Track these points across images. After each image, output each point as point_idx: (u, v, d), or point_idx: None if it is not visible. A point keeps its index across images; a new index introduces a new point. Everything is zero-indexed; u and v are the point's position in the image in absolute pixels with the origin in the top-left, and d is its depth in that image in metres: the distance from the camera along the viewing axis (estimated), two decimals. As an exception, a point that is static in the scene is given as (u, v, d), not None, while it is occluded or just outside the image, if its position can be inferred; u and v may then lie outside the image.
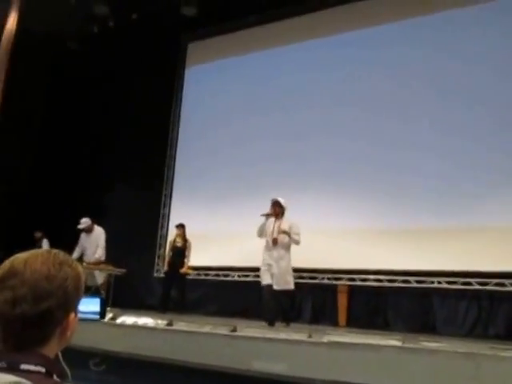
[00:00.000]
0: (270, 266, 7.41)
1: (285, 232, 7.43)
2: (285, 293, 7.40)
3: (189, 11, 11.24)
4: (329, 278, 8.92)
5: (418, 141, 8.86)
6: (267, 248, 7.55)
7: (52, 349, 1.20)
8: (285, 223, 7.55)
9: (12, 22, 9.24)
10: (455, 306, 8.01)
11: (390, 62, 9.47)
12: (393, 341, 5.47)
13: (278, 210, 7.60)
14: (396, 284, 8.40)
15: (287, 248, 7.55)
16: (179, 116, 11.98)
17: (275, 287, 7.30)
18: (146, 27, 11.61)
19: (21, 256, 1.21)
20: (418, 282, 8.27)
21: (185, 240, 9.62)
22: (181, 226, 9.71)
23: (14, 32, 9.20)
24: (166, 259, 9.87)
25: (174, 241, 9.69)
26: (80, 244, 9.50)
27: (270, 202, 7.68)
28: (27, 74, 11.23)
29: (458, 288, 7.94)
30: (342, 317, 8.63)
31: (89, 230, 9.46)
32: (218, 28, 11.67)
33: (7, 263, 1.20)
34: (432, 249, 8.23)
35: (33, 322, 1.14)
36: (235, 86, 11.24)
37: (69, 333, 1.23)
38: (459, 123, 8.57)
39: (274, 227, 7.55)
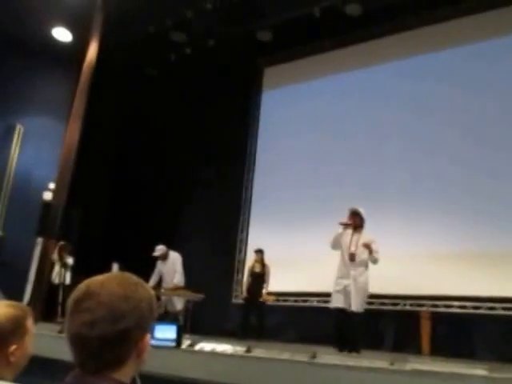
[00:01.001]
0: (344, 286, 6.58)
1: (366, 246, 6.59)
2: (358, 315, 6.57)
3: (264, 36, 11.36)
4: (411, 305, 8.66)
5: (506, 163, 8.56)
6: (343, 264, 6.74)
7: (127, 373, 1.21)
8: (365, 238, 6.75)
9: (92, 51, 9.58)
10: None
11: (467, 80, 9.24)
12: (478, 370, 5.21)
13: (357, 221, 6.80)
14: (481, 311, 8.04)
15: (365, 265, 6.74)
16: (256, 140, 12.07)
17: (352, 308, 6.49)
18: (222, 53, 11.73)
19: (96, 278, 1.24)
20: (504, 309, 7.89)
21: (263, 265, 9.52)
22: (259, 252, 9.62)
23: (94, 61, 9.52)
24: (245, 285, 9.78)
25: (253, 266, 9.60)
26: (157, 271, 9.55)
27: (348, 211, 6.86)
28: (107, 100, 11.59)
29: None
30: (426, 345, 8.28)
31: (164, 257, 9.49)
32: (294, 53, 11.79)
33: (83, 285, 1.23)
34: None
35: (111, 342, 1.15)
36: (311, 110, 11.24)
37: (144, 355, 1.23)
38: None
39: (351, 240, 6.74)
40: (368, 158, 9.95)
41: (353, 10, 10.13)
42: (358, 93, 10.64)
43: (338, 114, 10.76)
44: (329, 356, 5.66)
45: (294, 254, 10.08)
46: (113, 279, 1.23)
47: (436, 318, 8.41)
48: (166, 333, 5.50)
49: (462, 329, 8.28)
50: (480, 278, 8.15)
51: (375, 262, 6.68)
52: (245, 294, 9.69)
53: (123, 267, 10.64)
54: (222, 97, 12.18)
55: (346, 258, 6.68)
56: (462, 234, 8.58)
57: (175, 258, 9.57)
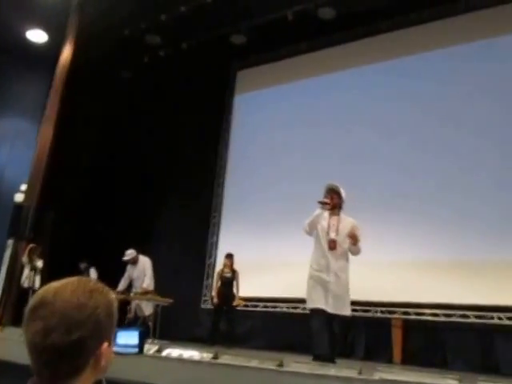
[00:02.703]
0: (323, 282, 5.49)
1: (352, 236, 5.49)
2: (341, 319, 5.57)
3: (238, 40, 11.43)
4: (382, 312, 8.61)
5: (485, 172, 8.56)
6: (320, 254, 5.61)
7: (86, 380, 1.19)
8: (345, 221, 5.69)
9: (67, 52, 9.54)
10: (519, 344, 7.51)
11: (446, 85, 9.30)
12: (449, 380, 5.19)
13: (336, 201, 5.72)
14: (453, 319, 8.01)
15: (347, 256, 5.65)
16: (228, 143, 12.04)
17: (331, 310, 5.42)
18: (196, 56, 11.77)
19: (52, 285, 1.22)
20: (476, 317, 7.86)
21: (233, 270, 9.48)
22: (230, 256, 9.58)
23: (68, 62, 9.48)
24: (214, 290, 9.65)
25: (222, 271, 9.54)
26: (126, 275, 9.56)
27: (325, 188, 5.79)
28: (81, 102, 11.53)
29: (521, 325, 7.50)
30: (397, 353, 8.24)
31: (134, 262, 9.52)
32: (267, 56, 11.86)
33: (39, 293, 1.21)
34: (492, 282, 7.85)
35: (65, 352, 1.13)
36: (284, 113, 11.21)
37: (103, 363, 1.20)
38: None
39: (329, 224, 5.69)
40: (342, 161, 9.89)
41: (326, 13, 10.22)
42: (332, 95, 10.64)
43: (312, 117, 10.72)
44: (296, 364, 5.60)
45: (264, 258, 10.01)
46: (67, 287, 1.21)
47: (408, 325, 8.38)
48: (128, 339, 5.40)
49: (434, 337, 8.22)
50: (452, 285, 8.12)
51: (357, 253, 5.67)
52: (215, 299, 9.57)
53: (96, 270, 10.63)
54: (195, 100, 12.17)
55: (325, 246, 5.59)
56: (433, 241, 8.53)
57: (145, 262, 9.57)
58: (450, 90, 9.25)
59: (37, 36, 11.41)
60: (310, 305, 5.59)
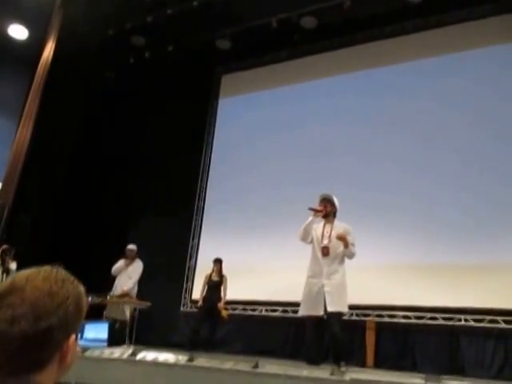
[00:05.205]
0: (316, 287, 5.86)
1: (341, 238, 5.82)
2: (338, 317, 5.92)
3: (223, 45, 11.49)
4: (357, 315, 8.74)
5: (448, 177, 8.80)
6: (315, 261, 6.00)
7: (50, 376, 1.13)
8: (338, 227, 6.06)
9: (49, 50, 9.45)
10: (482, 346, 7.74)
11: (431, 92, 9.54)
12: (415, 379, 5.39)
13: (329, 209, 6.11)
14: (423, 321, 8.21)
15: (341, 260, 5.99)
16: (211, 147, 12.02)
17: (329, 309, 5.79)
18: (181, 59, 11.80)
19: (22, 273, 1.18)
20: (444, 319, 8.10)
21: (221, 275, 9.35)
22: (218, 261, 9.38)
23: (50, 60, 9.39)
24: (201, 294, 9.40)
25: (211, 275, 9.37)
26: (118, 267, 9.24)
27: (319, 197, 6.18)
28: (62, 101, 11.42)
29: (485, 326, 7.75)
30: (370, 355, 8.36)
31: (132, 258, 9.25)
32: (251, 61, 11.93)
33: (8, 281, 1.17)
34: (459, 285, 8.09)
35: (31, 341, 1.08)
36: (267, 118, 11.29)
37: (69, 357, 1.16)
38: (492, 161, 8.53)
39: (323, 232, 6.05)
40: (325, 166, 9.99)
41: (308, 23, 10.40)
42: (313, 101, 10.77)
43: (294, 122, 10.82)
44: (271, 366, 5.70)
45: (244, 262, 10.01)
46: (39, 274, 1.17)
47: (380, 328, 8.52)
48: (96, 333, 5.26)
49: (405, 339, 8.39)
50: (422, 288, 8.32)
51: (351, 256, 6.01)
52: (200, 303, 9.32)
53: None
54: (179, 103, 12.14)
55: (319, 253, 5.96)
56: (405, 245, 8.74)
57: (138, 265, 9.30)
58: (424, 103, 9.48)
59: (19, 32, 11.24)
60: (303, 312, 6.09)
